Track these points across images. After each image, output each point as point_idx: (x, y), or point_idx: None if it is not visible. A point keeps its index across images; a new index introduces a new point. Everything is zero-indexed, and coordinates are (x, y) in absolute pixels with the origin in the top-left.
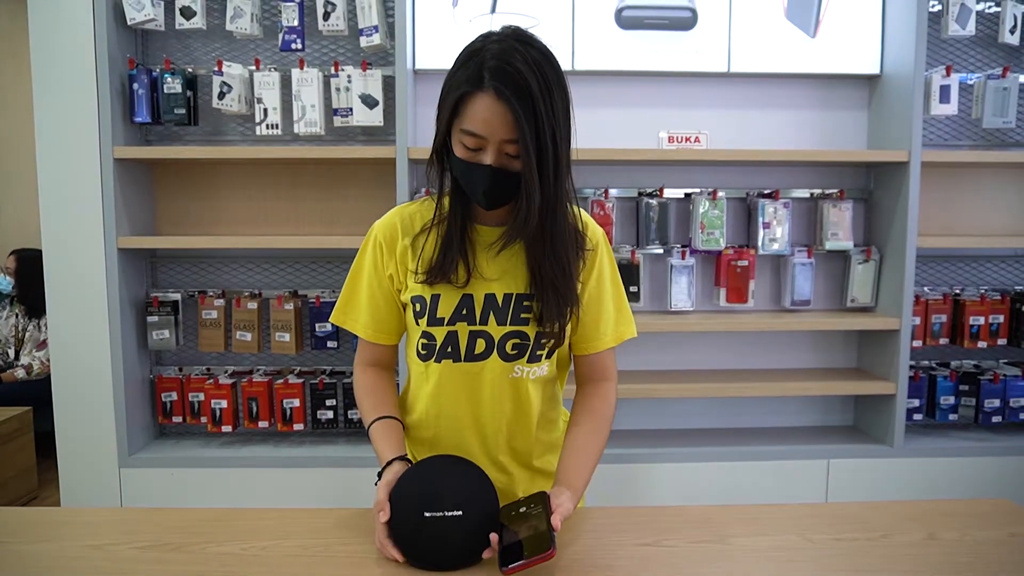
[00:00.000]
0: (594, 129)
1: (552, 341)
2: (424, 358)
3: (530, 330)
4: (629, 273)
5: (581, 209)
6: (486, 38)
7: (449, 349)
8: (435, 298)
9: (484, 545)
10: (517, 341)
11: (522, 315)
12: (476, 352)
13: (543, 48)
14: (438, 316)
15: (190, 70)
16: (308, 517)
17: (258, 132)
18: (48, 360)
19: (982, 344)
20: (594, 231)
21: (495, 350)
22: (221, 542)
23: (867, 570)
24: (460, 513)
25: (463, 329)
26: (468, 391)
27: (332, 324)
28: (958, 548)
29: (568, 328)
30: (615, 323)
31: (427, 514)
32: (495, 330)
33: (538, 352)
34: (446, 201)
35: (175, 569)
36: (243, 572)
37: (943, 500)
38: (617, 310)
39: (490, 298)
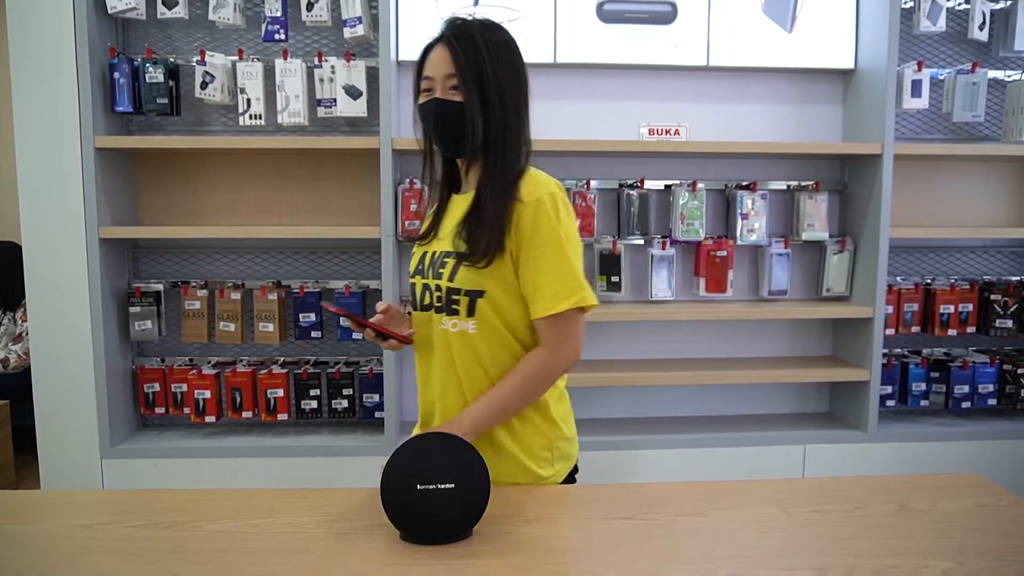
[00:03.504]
0: (575, 121)
1: (467, 298)
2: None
3: (443, 283)
4: (610, 263)
5: (540, 173)
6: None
7: (414, 298)
8: (417, 256)
9: (476, 518)
10: (439, 293)
11: (441, 269)
12: (425, 303)
13: (504, 31)
14: (410, 270)
15: (172, 60)
16: (299, 497)
17: (241, 122)
18: (25, 353)
19: (952, 332)
20: (533, 191)
21: (436, 301)
22: (213, 520)
23: (842, 538)
24: (452, 486)
25: (419, 281)
26: (426, 341)
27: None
28: (928, 517)
29: (491, 277)
30: (551, 292)
31: (419, 487)
32: (432, 282)
33: (452, 305)
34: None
35: (169, 546)
36: (237, 547)
37: (915, 475)
38: (557, 278)
39: (435, 254)
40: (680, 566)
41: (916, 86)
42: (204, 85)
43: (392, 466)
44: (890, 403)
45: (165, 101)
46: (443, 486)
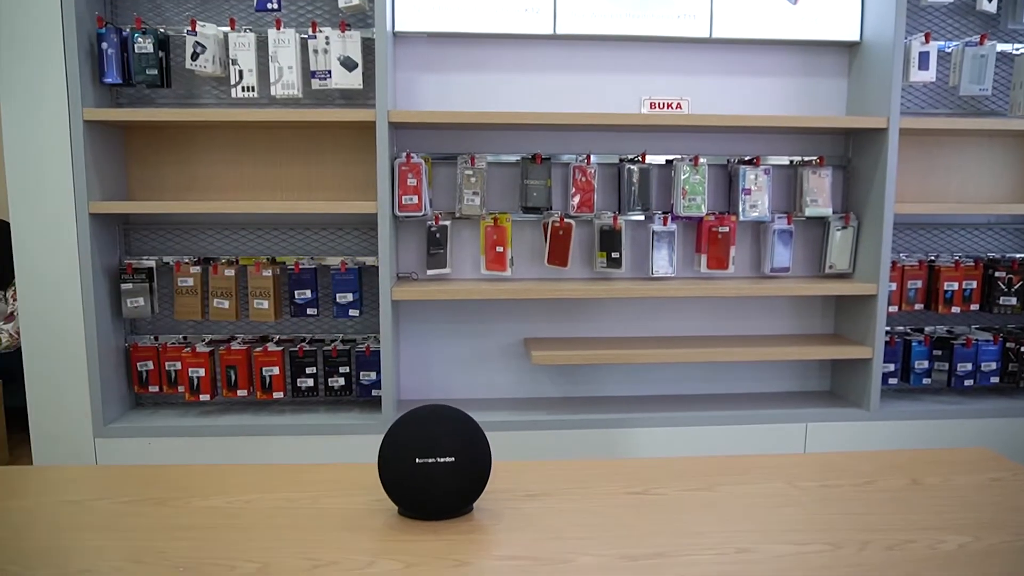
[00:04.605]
0: (575, 94)
1: None
2: None
3: None
4: (611, 239)
5: None
6: None
7: None
8: None
9: (476, 493)
10: None
11: None
12: None
13: None
14: None
15: (162, 30)
16: (292, 472)
17: (233, 94)
18: (16, 332)
19: (956, 309)
20: None
21: None
22: (205, 496)
23: (853, 513)
24: (452, 460)
25: None
26: None
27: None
28: (941, 492)
29: None
30: None
31: (418, 460)
32: None
33: None
34: None
35: (159, 522)
36: (229, 523)
37: (925, 449)
38: None
39: None
40: (690, 540)
41: (923, 58)
42: (195, 56)
43: (390, 439)
44: (892, 381)
45: (155, 72)
46: (443, 460)
